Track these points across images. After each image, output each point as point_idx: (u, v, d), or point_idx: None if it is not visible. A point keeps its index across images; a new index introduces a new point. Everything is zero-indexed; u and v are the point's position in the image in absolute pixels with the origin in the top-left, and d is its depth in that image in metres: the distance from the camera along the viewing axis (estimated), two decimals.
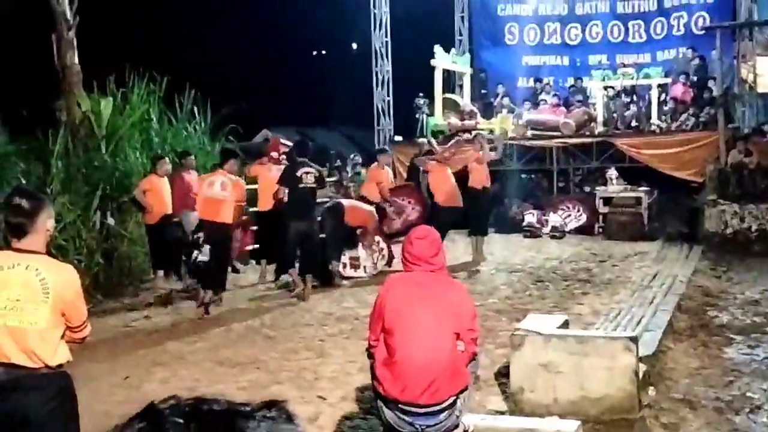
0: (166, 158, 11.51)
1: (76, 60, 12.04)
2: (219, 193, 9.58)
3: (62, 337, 3.78)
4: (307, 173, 10.04)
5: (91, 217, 11.00)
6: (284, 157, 11.85)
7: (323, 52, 43.37)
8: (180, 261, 11.23)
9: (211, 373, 7.07)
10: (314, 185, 10.07)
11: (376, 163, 13.24)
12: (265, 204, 11.20)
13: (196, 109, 14.08)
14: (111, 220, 11.24)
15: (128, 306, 10.13)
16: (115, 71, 12.91)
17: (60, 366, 3.74)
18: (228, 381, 6.71)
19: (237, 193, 10.02)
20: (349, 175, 16.34)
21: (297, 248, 10.31)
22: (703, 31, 17.55)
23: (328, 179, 13.85)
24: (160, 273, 11.24)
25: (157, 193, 10.99)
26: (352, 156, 17.78)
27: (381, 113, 18.45)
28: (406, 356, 4.18)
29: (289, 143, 12.77)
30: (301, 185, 10.00)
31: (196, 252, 9.43)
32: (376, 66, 18.43)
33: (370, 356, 4.45)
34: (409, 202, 14.33)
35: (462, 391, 4.28)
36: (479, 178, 12.42)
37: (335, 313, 9.29)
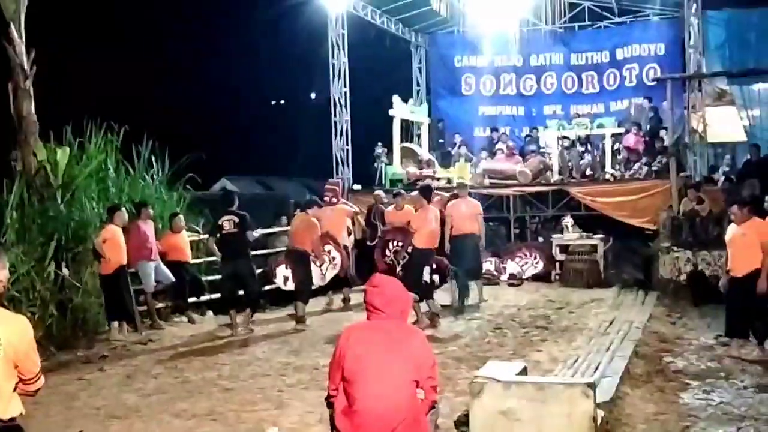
0: (123, 208, 11.43)
1: (33, 110, 11.94)
2: (435, 227, 11.46)
3: (14, 389, 3.72)
4: (228, 220, 11.07)
5: (46, 268, 10.81)
6: (335, 198, 13.88)
7: (282, 101, 43.68)
8: (134, 311, 11.15)
9: (167, 426, 6.96)
10: (235, 230, 11.02)
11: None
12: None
13: (153, 158, 14.02)
14: (66, 271, 11.06)
15: (82, 358, 9.94)
16: (72, 121, 12.84)
17: (12, 420, 3.68)
18: None
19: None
20: None
21: (234, 289, 11.35)
22: (654, 83, 18.02)
23: (286, 228, 14.03)
24: (115, 324, 11.10)
25: (114, 244, 10.89)
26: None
27: (340, 162, 18.52)
28: (366, 405, 4.17)
29: (335, 186, 14.56)
30: (224, 231, 11.08)
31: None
32: (335, 115, 18.53)
33: (330, 406, 4.43)
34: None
35: None
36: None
37: (294, 363, 9.21)
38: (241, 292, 11.47)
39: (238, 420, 7.01)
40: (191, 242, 12.91)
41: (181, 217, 12.72)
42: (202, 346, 10.55)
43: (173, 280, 12.02)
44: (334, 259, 12.28)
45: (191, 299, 12.62)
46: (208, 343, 10.77)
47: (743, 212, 9.14)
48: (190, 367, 9.26)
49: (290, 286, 12.05)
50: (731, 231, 9.36)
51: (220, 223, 11.16)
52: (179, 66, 35.11)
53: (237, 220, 11.05)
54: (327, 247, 12.14)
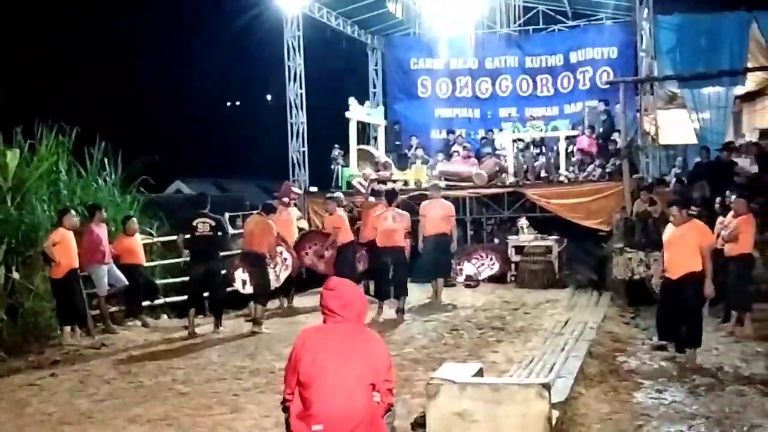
0: (72, 211, 11.25)
1: None
2: (392, 225, 12.01)
3: None
4: (203, 222, 11.22)
5: None
6: (295, 202, 14.62)
7: (238, 103, 43.42)
8: (87, 315, 11.01)
9: (121, 431, 6.87)
10: (210, 233, 11.22)
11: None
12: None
13: (106, 161, 13.85)
14: (16, 275, 10.88)
15: (34, 363, 9.75)
16: (22, 122, 12.63)
17: None
18: None
19: (404, 223, 12.30)
20: None
21: (201, 290, 11.59)
22: (607, 86, 18.26)
23: (242, 230, 13.99)
24: (67, 329, 10.91)
25: (65, 247, 10.72)
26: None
27: (296, 164, 18.45)
28: (322, 409, 4.15)
29: (299, 190, 15.46)
30: (197, 233, 11.20)
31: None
32: (291, 117, 18.47)
33: (286, 410, 4.40)
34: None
35: None
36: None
37: (249, 366, 9.15)
38: (206, 294, 11.67)
39: (193, 425, 6.95)
40: (145, 245, 12.78)
41: (135, 219, 12.59)
42: (156, 350, 10.42)
43: (127, 283, 11.87)
44: (286, 260, 12.30)
45: (145, 303, 12.48)
46: (162, 347, 10.65)
47: (682, 214, 8.94)
48: (145, 371, 9.14)
49: (249, 289, 12.00)
50: (669, 232, 9.13)
51: (194, 224, 11.23)
52: (134, 67, 34.72)
53: (213, 223, 11.26)
54: (279, 249, 12.13)
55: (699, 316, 9.03)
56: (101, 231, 11.65)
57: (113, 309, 12.14)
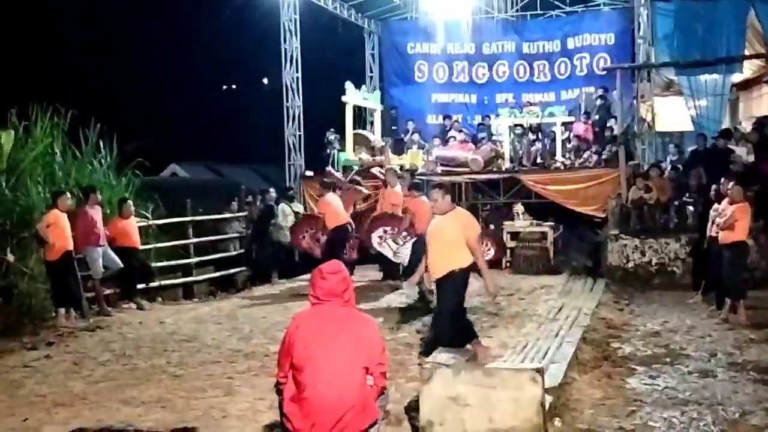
0: (67, 193, 11.23)
1: None
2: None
3: None
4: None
5: None
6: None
7: (234, 86, 43.26)
8: (81, 297, 11.02)
9: (115, 413, 6.86)
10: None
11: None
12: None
13: (101, 143, 13.81)
14: (11, 257, 10.86)
15: (28, 345, 9.73)
16: (17, 104, 12.60)
17: None
18: (133, 421, 6.52)
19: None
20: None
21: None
22: (604, 72, 18.23)
23: (238, 214, 14.19)
24: (62, 311, 10.91)
25: (59, 229, 10.71)
26: (259, 190, 17.67)
27: (292, 148, 18.43)
28: (315, 392, 4.16)
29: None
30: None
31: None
32: (287, 101, 18.42)
33: (279, 393, 4.41)
34: None
35: (371, 426, 4.27)
36: None
37: (244, 349, 9.16)
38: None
39: (187, 407, 6.95)
40: (140, 228, 12.77)
41: (130, 202, 12.57)
42: (151, 332, 10.43)
43: (122, 266, 11.87)
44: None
45: (140, 285, 12.49)
46: (157, 329, 10.65)
47: (444, 200, 7.38)
48: (139, 353, 9.15)
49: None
50: (432, 222, 7.57)
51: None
52: (129, 50, 34.59)
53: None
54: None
55: (445, 321, 7.48)
56: (96, 213, 11.63)
57: (108, 291, 12.14)
